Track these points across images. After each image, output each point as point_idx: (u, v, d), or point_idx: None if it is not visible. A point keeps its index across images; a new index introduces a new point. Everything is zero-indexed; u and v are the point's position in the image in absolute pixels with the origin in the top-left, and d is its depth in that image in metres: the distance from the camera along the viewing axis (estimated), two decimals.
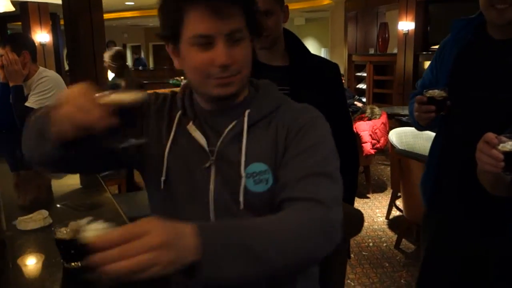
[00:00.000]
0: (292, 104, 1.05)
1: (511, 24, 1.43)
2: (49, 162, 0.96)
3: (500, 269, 1.50)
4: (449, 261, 1.67)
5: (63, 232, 1.07)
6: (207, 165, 0.99)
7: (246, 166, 0.96)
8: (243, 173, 0.96)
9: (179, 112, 1.03)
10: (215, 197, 0.97)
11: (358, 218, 1.36)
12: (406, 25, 7.71)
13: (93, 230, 0.74)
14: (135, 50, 17.44)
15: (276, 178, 0.96)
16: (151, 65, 17.07)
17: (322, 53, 14.53)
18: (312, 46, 14.86)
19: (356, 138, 1.91)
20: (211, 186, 0.98)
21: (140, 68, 14.83)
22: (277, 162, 0.97)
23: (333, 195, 0.91)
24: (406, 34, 7.74)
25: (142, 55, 17.36)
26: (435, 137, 1.75)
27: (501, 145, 1.07)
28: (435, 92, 1.51)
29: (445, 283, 1.70)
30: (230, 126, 0.99)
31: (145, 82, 9.23)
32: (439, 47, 1.73)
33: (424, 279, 1.78)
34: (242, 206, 0.96)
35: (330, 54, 11.86)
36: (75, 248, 1.07)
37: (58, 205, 1.73)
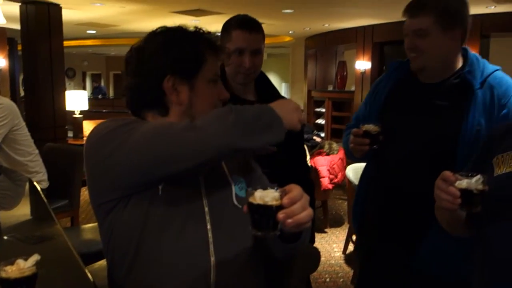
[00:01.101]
0: None
1: (424, 70, 1.61)
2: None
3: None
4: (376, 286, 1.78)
5: (7, 271, 1.02)
6: (199, 176, 1.17)
7: (231, 176, 1.21)
8: (232, 182, 1.21)
9: None
10: (208, 200, 1.16)
11: (315, 256, 1.38)
12: (363, 64, 8.01)
13: (268, 194, 0.94)
14: (95, 78, 17.20)
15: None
16: (111, 94, 16.85)
17: (282, 87, 14.82)
18: (274, 81, 15.04)
19: (310, 173, 2.00)
20: (203, 191, 1.16)
21: (100, 96, 14.62)
22: (249, 176, 1.27)
23: None
24: (363, 73, 8.03)
25: (102, 84, 17.14)
26: (364, 168, 1.88)
27: (457, 182, 1.10)
28: (370, 127, 1.62)
29: None
30: None
31: (104, 111, 9.11)
32: (373, 84, 1.88)
33: None
34: (236, 204, 1.18)
35: (290, 89, 12.10)
36: (26, 285, 1.02)
37: (6, 237, 1.65)
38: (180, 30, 1.20)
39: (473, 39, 6.28)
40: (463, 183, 1.10)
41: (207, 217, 1.14)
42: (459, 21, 1.55)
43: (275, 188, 0.96)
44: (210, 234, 1.13)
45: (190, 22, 8.16)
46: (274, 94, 1.84)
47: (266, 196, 0.94)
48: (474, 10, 7.19)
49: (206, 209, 1.15)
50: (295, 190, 0.96)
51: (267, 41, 1.78)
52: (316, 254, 1.39)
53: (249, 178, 1.26)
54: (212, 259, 1.11)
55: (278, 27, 8.38)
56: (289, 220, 0.92)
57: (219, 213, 1.16)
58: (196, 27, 1.21)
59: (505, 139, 1.22)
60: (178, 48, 1.16)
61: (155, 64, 1.16)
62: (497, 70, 1.61)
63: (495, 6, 5.77)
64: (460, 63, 1.62)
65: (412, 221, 1.62)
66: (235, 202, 1.19)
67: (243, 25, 1.68)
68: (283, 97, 1.89)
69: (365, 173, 1.87)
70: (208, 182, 1.18)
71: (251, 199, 0.94)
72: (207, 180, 1.18)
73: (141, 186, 1.10)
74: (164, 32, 1.20)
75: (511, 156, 1.16)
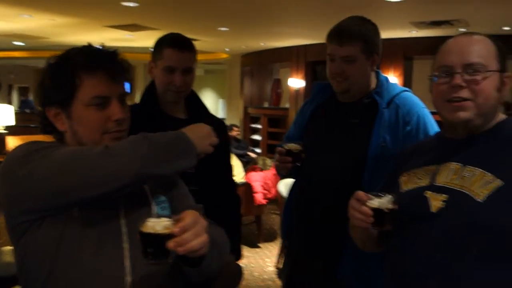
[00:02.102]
0: None
1: (348, 92, 1.72)
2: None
3: None
4: None
5: None
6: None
7: (152, 196, 1.19)
8: (152, 201, 1.19)
9: None
10: (127, 220, 1.14)
11: (236, 273, 1.39)
12: (297, 82, 8.23)
13: (159, 223, 0.95)
14: (23, 91, 16.36)
15: (172, 207, 1.21)
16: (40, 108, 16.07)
17: (219, 104, 14.88)
18: (210, 97, 15.16)
19: (236, 189, 2.03)
20: (122, 212, 1.14)
21: (27, 110, 13.88)
22: (173, 195, 1.25)
23: None
24: (297, 91, 8.24)
25: (30, 97, 16.33)
26: (292, 184, 1.96)
27: (369, 201, 1.16)
28: (292, 146, 1.71)
29: None
30: None
31: (32, 125, 8.66)
32: (302, 105, 1.98)
33: None
34: None
35: (227, 106, 12.17)
36: None
37: None
38: (56, 57, 1.17)
39: (398, 61, 6.66)
40: (375, 202, 1.16)
41: (125, 237, 1.13)
42: (377, 48, 1.70)
43: (170, 217, 0.98)
44: (127, 254, 1.11)
45: (124, 36, 7.96)
46: (204, 112, 1.87)
47: (158, 225, 0.95)
48: (398, 34, 7.60)
49: (124, 229, 1.13)
50: (188, 218, 0.97)
51: (203, 57, 1.81)
52: (238, 271, 1.41)
53: (171, 197, 1.25)
54: (129, 279, 1.10)
55: (214, 44, 8.44)
56: (180, 248, 0.94)
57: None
58: (86, 46, 1.18)
59: (411, 158, 1.32)
60: (47, 79, 1.16)
61: (37, 96, 1.19)
62: (405, 91, 1.74)
63: (417, 31, 6.17)
64: (374, 85, 1.75)
65: (330, 235, 1.69)
66: None
67: (174, 43, 1.69)
68: (212, 116, 1.92)
69: (292, 189, 1.94)
70: (127, 202, 1.16)
71: (142, 228, 0.96)
72: (127, 199, 1.16)
73: (55, 209, 1.08)
74: (47, 62, 1.19)
75: (415, 173, 1.25)
